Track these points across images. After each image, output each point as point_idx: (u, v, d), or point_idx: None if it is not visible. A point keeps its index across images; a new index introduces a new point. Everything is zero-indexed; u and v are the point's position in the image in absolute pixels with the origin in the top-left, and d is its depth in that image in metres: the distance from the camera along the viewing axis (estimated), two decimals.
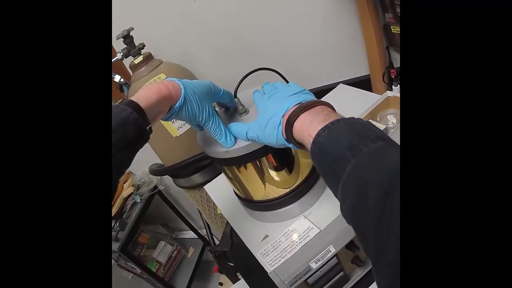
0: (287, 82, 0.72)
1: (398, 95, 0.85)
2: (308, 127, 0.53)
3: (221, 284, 2.17)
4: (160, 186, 2.21)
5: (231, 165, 0.72)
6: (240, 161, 0.69)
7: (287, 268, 0.70)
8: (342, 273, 0.79)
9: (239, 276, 1.19)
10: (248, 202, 0.80)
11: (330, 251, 0.70)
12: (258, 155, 0.68)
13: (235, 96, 0.70)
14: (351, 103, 0.94)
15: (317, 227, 0.72)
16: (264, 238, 0.76)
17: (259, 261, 0.73)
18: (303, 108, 0.56)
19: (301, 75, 1.37)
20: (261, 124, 0.61)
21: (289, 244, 0.72)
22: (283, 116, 0.58)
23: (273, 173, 0.72)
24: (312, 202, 0.77)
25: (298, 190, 0.75)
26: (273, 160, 0.70)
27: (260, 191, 0.75)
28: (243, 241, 0.80)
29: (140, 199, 2.14)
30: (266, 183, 0.73)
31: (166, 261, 2.43)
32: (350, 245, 0.75)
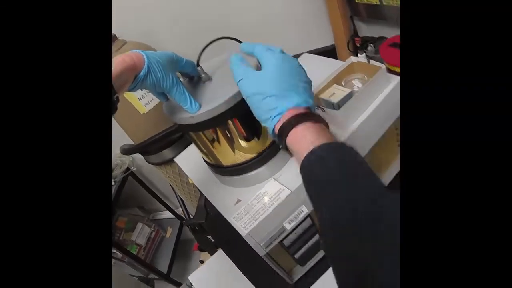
0: None
1: (363, 60, 0.86)
2: (302, 145, 0.54)
3: (202, 261, 2.18)
4: (132, 168, 2.19)
5: (197, 130, 0.71)
6: (206, 125, 0.69)
7: (261, 230, 0.70)
8: (318, 236, 0.80)
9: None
10: (218, 168, 0.80)
11: (303, 211, 0.70)
12: (224, 119, 0.68)
13: (198, 64, 0.72)
14: (316, 71, 0.93)
15: (288, 189, 0.72)
16: (237, 202, 0.76)
17: (233, 225, 0.73)
18: (300, 120, 0.56)
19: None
20: (264, 90, 0.60)
21: (262, 207, 0.72)
22: (281, 114, 0.59)
23: (240, 137, 0.72)
24: (281, 164, 0.77)
25: (266, 153, 0.75)
26: (240, 124, 0.70)
27: (228, 156, 0.75)
28: (216, 207, 0.80)
29: (114, 182, 2.12)
30: (234, 148, 0.73)
31: (146, 243, 2.43)
32: None
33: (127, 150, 1.49)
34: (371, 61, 0.83)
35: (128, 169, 2.17)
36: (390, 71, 0.99)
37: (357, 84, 0.84)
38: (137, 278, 2.39)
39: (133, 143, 1.50)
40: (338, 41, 1.32)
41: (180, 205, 1.77)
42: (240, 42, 0.73)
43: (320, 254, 0.84)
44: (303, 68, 0.65)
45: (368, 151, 0.78)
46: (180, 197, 1.69)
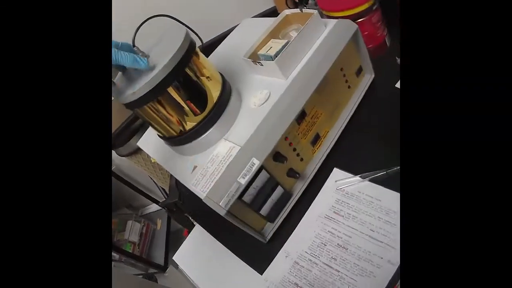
0: (185, 25, 0.76)
1: (296, 11, 0.86)
2: None
3: None
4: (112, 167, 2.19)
5: (142, 105, 0.72)
6: (148, 97, 0.69)
7: (218, 190, 0.70)
8: (281, 188, 0.81)
9: None
10: (171, 139, 0.81)
11: (254, 164, 0.71)
12: (163, 87, 0.69)
13: (134, 45, 0.73)
14: (256, 31, 0.93)
15: (237, 145, 0.73)
16: (194, 169, 0.77)
17: (193, 191, 0.75)
18: None
19: (207, 23, 1.36)
20: None
21: (216, 168, 0.73)
22: None
23: (183, 104, 0.73)
24: (229, 123, 0.78)
25: (211, 115, 0.76)
26: (181, 90, 0.72)
27: (178, 124, 0.77)
28: (177, 178, 0.82)
29: None
30: (181, 115, 0.75)
31: (139, 239, 2.43)
32: (277, 157, 0.76)
33: None
34: (304, 10, 0.83)
35: None
36: (328, 17, 0.99)
37: (294, 35, 0.85)
38: (141, 276, 2.41)
39: None
40: (277, 1, 1.32)
41: (162, 194, 1.78)
42: (174, 19, 0.74)
43: (288, 208, 0.85)
44: None
45: (311, 94, 0.78)
46: (159, 186, 1.70)
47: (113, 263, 2.34)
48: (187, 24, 0.78)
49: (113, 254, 2.23)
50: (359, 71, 0.93)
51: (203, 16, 1.34)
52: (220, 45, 1.08)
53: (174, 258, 1.07)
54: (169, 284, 1.11)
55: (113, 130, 1.34)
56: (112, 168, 2.19)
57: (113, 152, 1.61)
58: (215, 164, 0.74)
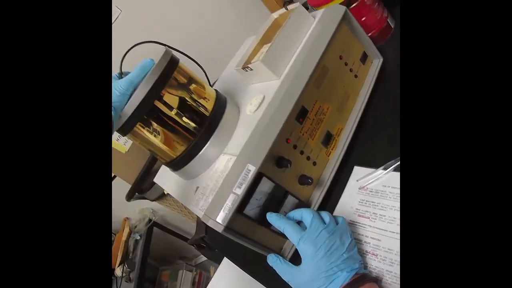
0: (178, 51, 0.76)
1: (282, 11, 0.83)
2: None
3: None
4: (154, 218, 2.19)
5: (132, 126, 0.70)
6: (135, 117, 0.68)
7: (215, 206, 0.64)
8: (293, 199, 0.72)
9: None
10: (173, 164, 0.77)
11: (250, 170, 0.64)
12: (145, 105, 0.67)
13: (121, 71, 0.71)
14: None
15: (234, 155, 0.67)
16: (196, 190, 0.73)
17: (195, 213, 0.69)
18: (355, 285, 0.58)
19: (214, 56, 1.34)
20: (311, 276, 0.61)
21: (214, 184, 0.67)
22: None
23: (172, 122, 0.71)
24: (226, 137, 0.74)
25: (205, 129, 0.73)
26: (167, 109, 0.70)
27: (174, 144, 0.74)
28: (183, 203, 0.78)
29: (139, 236, 2.12)
30: (174, 134, 0.72)
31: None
32: (280, 162, 0.69)
33: (128, 195, 1.49)
34: (289, 6, 0.79)
35: (150, 220, 2.16)
36: None
37: None
38: None
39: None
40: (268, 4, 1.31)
41: None
42: (165, 45, 0.73)
43: None
44: (340, 230, 0.63)
45: (307, 88, 0.72)
46: None
47: None
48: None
49: None
50: (364, 58, 0.86)
51: (209, 51, 1.34)
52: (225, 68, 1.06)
53: None
54: None
55: (136, 176, 1.33)
56: (155, 219, 2.19)
57: (159, 205, 1.60)
58: (214, 180, 0.68)
